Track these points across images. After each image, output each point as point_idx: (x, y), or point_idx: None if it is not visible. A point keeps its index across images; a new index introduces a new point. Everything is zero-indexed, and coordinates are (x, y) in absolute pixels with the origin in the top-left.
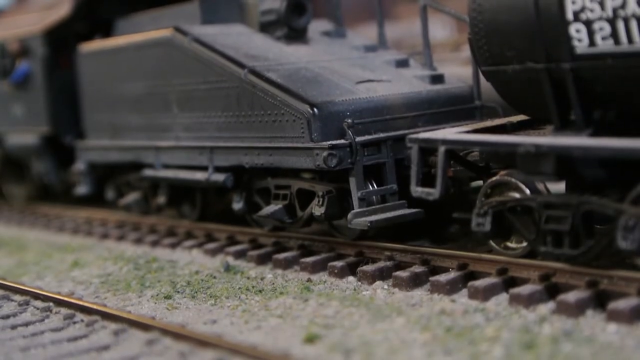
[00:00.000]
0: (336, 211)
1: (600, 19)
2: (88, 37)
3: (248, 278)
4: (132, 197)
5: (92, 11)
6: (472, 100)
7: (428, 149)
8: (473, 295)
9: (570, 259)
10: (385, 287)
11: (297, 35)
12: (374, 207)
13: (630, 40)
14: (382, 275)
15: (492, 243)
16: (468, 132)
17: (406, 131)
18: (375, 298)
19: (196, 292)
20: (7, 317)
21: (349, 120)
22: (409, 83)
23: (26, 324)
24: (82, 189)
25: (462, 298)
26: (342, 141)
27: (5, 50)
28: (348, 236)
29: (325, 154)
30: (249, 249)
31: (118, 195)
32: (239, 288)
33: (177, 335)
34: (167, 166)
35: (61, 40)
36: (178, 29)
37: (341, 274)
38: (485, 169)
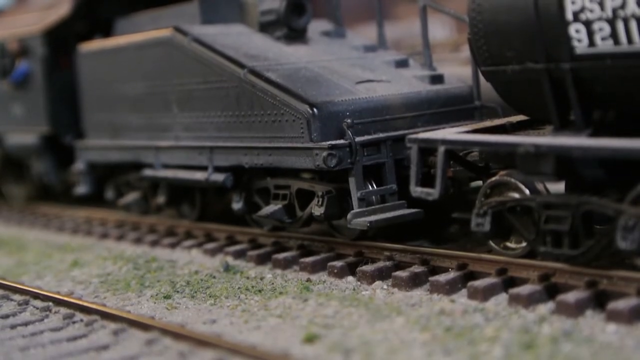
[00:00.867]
0: (336, 211)
1: (599, 19)
2: (88, 36)
3: (247, 278)
4: (131, 197)
5: (91, 11)
6: (472, 100)
7: (428, 149)
8: (472, 295)
9: (570, 259)
10: (385, 287)
11: (296, 35)
12: (373, 207)
13: (629, 40)
14: (382, 275)
15: (491, 243)
16: (468, 132)
17: (406, 131)
18: (375, 298)
19: (196, 292)
20: (7, 316)
21: (349, 120)
22: (408, 83)
23: (25, 324)
24: (81, 189)
25: (461, 298)
26: (342, 141)
27: (5, 50)
28: (347, 236)
29: (324, 154)
30: (249, 248)
31: (118, 195)
32: (239, 288)
33: (177, 335)
34: (166, 166)
35: (61, 40)
36: (178, 29)
37: (341, 274)
38: (485, 169)
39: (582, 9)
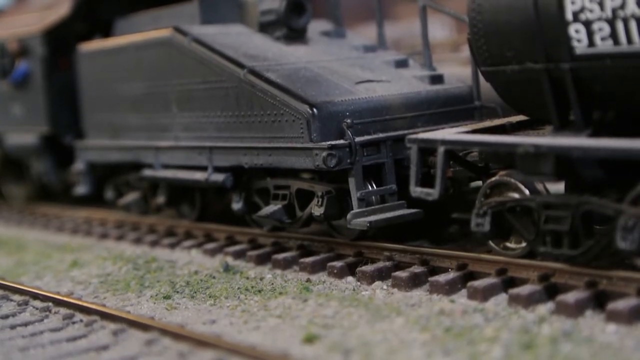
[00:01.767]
0: (335, 211)
1: (599, 19)
2: (87, 37)
3: (247, 278)
4: (131, 197)
5: (91, 11)
6: (472, 100)
7: (427, 149)
8: (472, 295)
9: (570, 259)
10: (385, 287)
11: (296, 35)
12: (373, 207)
13: (629, 40)
14: (382, 275)
15: (491, 243)
16: (467, 132)
17: (405, 131)
18: (375, 298)
19: (195, 292)
20: (6, 317)
21: (348, 121)
22: (408, 83)
23: (25, 324)
24: (81, 189)
25: (461, 298)
26: (342, 141)
27: (4, 50)
28: (347, 236)
29: (324, 154)
30: (248, 249)
31: (117, 195)
32: (238, 288)
33: (176, 335)
34: (166, 166)
35: (61, 40)
36: (177, 29)
37: (340, 274)
38: (485, 169)
39: (582, 9)
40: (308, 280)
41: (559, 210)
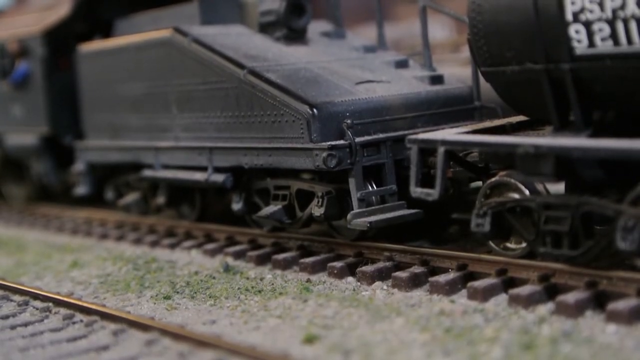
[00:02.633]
0: (335, 212)
1: (599, 19)
2: (87, 37)
3: (247, 278)
4: (131, 197)
5: (91, 11)
6: (472, 100)
7: (427, 149)
8: (472, 295)
9: (570, 260)
10: (385, 287)
11: (296, 35)
12: (373, 207)
13: (629, 41)
14: (382, 275)
15: (491, 244)
16: (467, 132)
17: (405, 132)
18: (375, 298)
19: (195, 293)
20: (7, 317)
21: (349, 121)
22: (408, 84)
23: (25, 324)
24: (81, 190)
25: (461, 299)
26: (342, 142)
27: (4, 51)
28: (347, 237)
29: (324, 154)
30: (249, 249)
31: (117, 196)
32: (238, 288)
33: (177, 335)
34: (166, 166)
35: (60, 41)
36: (177, 30)
37: (340, 274)
38: (485, 170)
39: (582, 10)
40: (308, 281)
41: (559, 211)
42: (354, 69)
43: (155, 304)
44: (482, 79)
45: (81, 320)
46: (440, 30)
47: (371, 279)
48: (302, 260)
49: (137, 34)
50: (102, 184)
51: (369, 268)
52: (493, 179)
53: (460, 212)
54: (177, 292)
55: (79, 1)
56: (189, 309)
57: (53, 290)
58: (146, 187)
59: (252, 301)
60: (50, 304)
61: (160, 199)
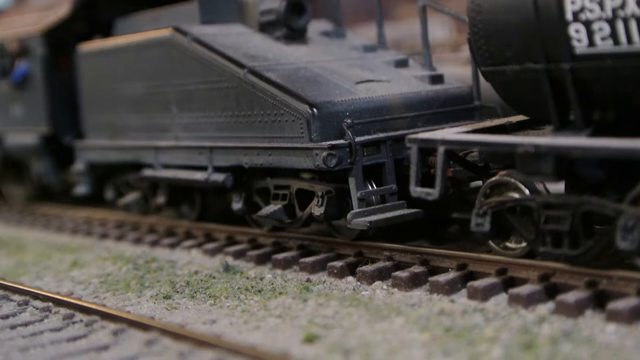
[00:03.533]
0: (335, 211)
1: (599, 19)
2: (87, 37)
3: (247, 278)
4: (131, 197)
5: (91, 11)
6: (472, 100)
7: (427, 149)
8: (472, 295)
9: (570, 259)
10: (385, 287)
11: (296, 35)
12: (373, 207)
13: (629, 40)
14: (382, 275)
15: (491, 243)
16: (467, 132)
17: (405, 131)
18: (375, 298)
19: (195, 292)
20: (7, 317)
21: (349, 121)
22: (408, 83)
23: (25, 324)
24: (81, 189)
25: (461, 298)
26: (342, 141)
27: (4, 50)
28: (347, 236)
29: (324, 154)
30: (248, 249)
31: (117, 196)
32: (238, 288)
33: (176, 335)
34: (166, 166)
35: (60, 40)
36: (177, 29)
37: (340, 274)
38: (485, 169)
39: (582, 9)
40: (308, 280)
41: (559, 210)
42: (354, 68)
43: (155, 303)
44: (481, 79)
45: (81, 320)
46: (440, 29)
47: (371, 278)
48: (302, 260)
49: (137, 33)
50: (102, 183)
51: (369, 268)
52: (493, 179)
53: (460, 211)
54: (177, 292)
55: (79, 1)
56: (189, 309)
57: (53, 290)
58: (146, 187)
59: (252, 301)
60: (50, 304)
61: (160, 199)
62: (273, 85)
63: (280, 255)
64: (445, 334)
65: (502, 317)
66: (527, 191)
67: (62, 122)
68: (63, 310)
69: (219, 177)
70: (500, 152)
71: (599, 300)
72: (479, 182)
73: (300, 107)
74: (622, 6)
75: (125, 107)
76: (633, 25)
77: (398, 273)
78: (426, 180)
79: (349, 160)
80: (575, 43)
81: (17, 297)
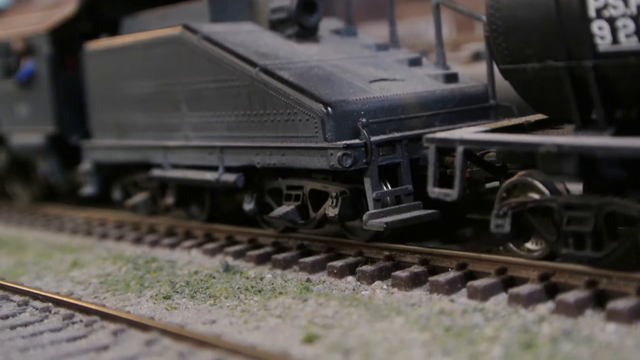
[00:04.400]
0: (350, 212)
1: (623, 15)
2: (94, 35)
3: (247, 278)
4: (139, 197)
5: (97, 9)
6: (487, 99)
7: (445, 149)
8: (472, 295)
9: (593, 261)
10: (385, 287)
11: (307, 33)
12: (389, 208)
13: None
14: (381, 275)
15: (511, 245)
16: (486, 131)
17: (421, 131)
18: (375, 298)
19: (195, 292)
20: (6, 317)
21: (364, 120)
22: (422, 82)
23: (25, 324)
24: (88, 190)
25: (461, 298)
26: (357, 141)
27: (10, 49)
28: (362, 238)
29: (339, 154)
30: (248, 249)
31: (125, 196)
32: (238, 288)
33: (176, 335)
34: (175, 166)
35: (66, 39)
36: (187, 27)
37: (340, 274)
38: (502, 169)
39: (605, 6)
40: (308, 280)
41: (581, 211)
42: (367, 66)
43: (155, 303)
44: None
45: (81, 320)
46: None
47: (371, 278)
48: (301, 260)
49: (144, 31)
50: (109, 183)
51: (368, 267)
52: (513, 179)
53: (476, 212)
54: (177, 292)
55: None
56: (189, 309)
57: (53, 290)
58: (155, 187)
59: (252, 301)
60: (50, 304)
61: (169, 199)
62: (286, 84)
63: (280, 255)
64: (445, 334)
65: (502, 316)
66: (547, 191)
67: (69, 122)
68: (63, 311)
69: (230, 177)
70: (520, 152)
71: (599, 300)
72: (496, 183)
73: (314, 106)
74: None
75: (133, 106)
76: None
77: (398, 273)
78: (442, 180)
79: (364, 160)
80: (598, 40)
81: (17, 298)
